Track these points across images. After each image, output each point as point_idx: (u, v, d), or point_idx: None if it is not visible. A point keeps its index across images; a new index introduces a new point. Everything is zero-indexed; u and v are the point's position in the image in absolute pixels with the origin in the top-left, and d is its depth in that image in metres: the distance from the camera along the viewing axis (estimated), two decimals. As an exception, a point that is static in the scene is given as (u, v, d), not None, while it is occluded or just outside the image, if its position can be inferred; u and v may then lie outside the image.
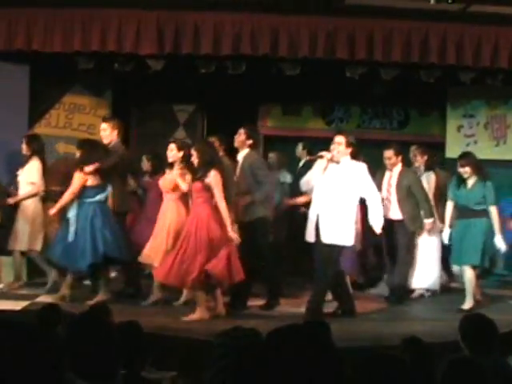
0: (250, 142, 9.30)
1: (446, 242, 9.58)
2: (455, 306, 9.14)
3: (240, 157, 9.29)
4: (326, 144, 10.83)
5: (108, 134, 9.62)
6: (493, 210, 9.22)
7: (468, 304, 9.16)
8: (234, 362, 3.17)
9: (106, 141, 9.58)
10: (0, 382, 1.97)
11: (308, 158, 9.83)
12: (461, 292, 9.59)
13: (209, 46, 9.86)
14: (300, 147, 11.94)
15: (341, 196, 8.40)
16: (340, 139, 8.55)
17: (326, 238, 8.38)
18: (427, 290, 10.13)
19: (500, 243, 9.23)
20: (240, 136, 9.33)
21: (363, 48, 9.90)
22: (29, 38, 9.95)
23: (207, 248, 8.28)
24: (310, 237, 8.57)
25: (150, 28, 9.89)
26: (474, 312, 5.25)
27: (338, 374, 2.08)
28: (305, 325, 4.90)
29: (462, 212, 9.43)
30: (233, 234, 8.37)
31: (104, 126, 9.72)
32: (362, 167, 8.56)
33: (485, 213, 9.23)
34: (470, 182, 9.32)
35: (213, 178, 8.37)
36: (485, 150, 12.17)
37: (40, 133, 11.39)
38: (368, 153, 10.89)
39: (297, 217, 10.48)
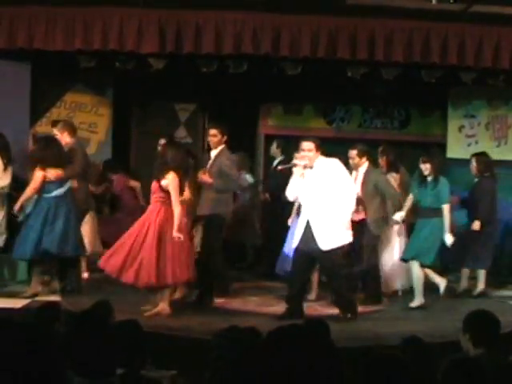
0: (225, 138, 9.47)
1: None
2: (456, 307, 9.16)
3: (214, 154, 9.43)
4: (327, 144, 10.89)
5: (59, 137, 9.75)
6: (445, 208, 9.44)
7: (418, 301, 9.41)
8: (231, 362, 3.18)
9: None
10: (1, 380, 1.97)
11: (281, 167, 9.86)
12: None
13: (210, 45, 9.86)
14: (274, 145, 11.91)
15: (327, 197, 8.44)
16: (309, 145, 8.58)
17: (325, 245, 8.42)
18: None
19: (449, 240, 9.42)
20: (216, 137, 9.41)
21: (364, 48, 9.90)
22: (30, 36, 9.95)
23: (156, 247, 8.42)
24: (295, 242, 8.68)
25: (151, 27, 9.89)
26: (479, 308, 5.26)
27: (338, 374, 2.08)
28: (304, 324, 4.90)
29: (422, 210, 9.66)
30: (176, 233, 8.40)
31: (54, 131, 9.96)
32: (334, 161, 8.66)
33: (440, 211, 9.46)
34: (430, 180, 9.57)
35: (170, 180, 8.48)
36: (486, 151, 12.16)
37: (41, 131, 11.40)
38: (370, 153, 10.91)
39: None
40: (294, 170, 8.72)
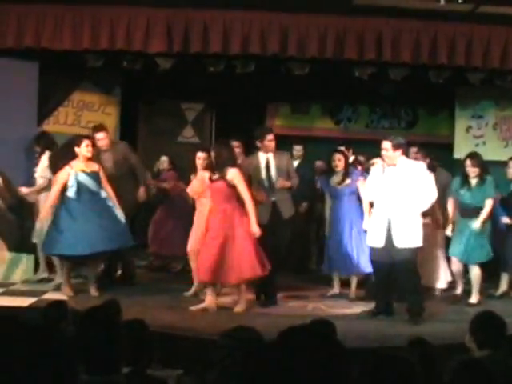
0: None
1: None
2: (462, 307, 9.14)
3: (269, 157, 9.35)
4: (334, 144, 10.89)
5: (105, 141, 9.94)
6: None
7: (475, 298, 9.41)
8: (237, 362, 3.18)
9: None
10: (9, 379, 1.98)
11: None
12: (467, 291, 9.69)
13: (218, 45, 9.87)
14: (300, 147, 11.74)
15: (408, 197, 8.35)
16: (386, 145, 8.45)
17: (402, 243, 8.35)
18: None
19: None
20: (274, 141, 9.42)
21: (372, 48, 9.89)
22: (38, 35, 9.97)
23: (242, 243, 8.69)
24: (377, 242, 8.50)
25: (159, 26, 9.90)
26: (486, 309, 5.27)
27: (346, 375, 2.08)
28: (311, 324, 4.89)
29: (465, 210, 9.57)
30: (255, 228, 8.63)
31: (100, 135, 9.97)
32: (420, 164, 8.65)
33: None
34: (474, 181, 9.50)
35: (235, 175, 8.69)
36: (493, 151, 12.15)
37: (48, 130, 11.41)
38: (376, 153, 10.89)
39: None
40: (372, 168, 8.68)
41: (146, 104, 13.64)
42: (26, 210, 10.44)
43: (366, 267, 9.51)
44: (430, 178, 8.74)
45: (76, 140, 9.43)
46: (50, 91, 11.49)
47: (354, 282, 9.82)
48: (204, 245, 8.77)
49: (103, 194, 9.34)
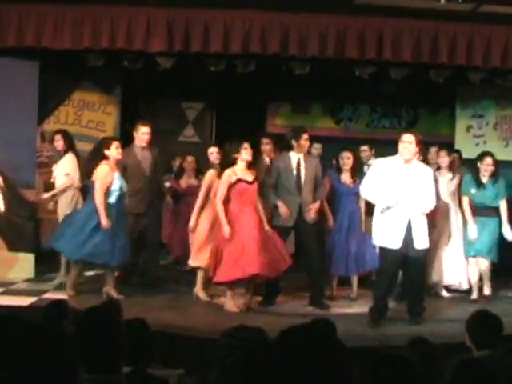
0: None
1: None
2: (463, 306, 9.15)
3: (300, 157, 9.32)
4: (334, 143, 10.89)
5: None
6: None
7: (488, 290, 9.65)
8: (238, 361, 3.18)
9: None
10: (9, 379, 1.98)
11: None
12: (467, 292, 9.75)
13: (218, 45, 9.86)
14: (366, 146, 11.32)
15: (422, 197, 8.26)
16: (409, 138, 8.29)
17: (421, 244, 8.27)
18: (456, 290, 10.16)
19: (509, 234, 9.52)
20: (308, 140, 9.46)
21: (373, 47, 9.88)
22: (39, 34, 9.96)
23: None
24: (395, 244, 8.23)
25: (159, 26, 9.89)
26: (483, 309, 5.27)
27: (347, 374, 2.08)
28: (312, 324, 4.89)
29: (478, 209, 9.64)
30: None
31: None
32: (429, 171, 8.55)
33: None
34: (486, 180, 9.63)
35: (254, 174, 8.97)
36: (494, 151, 12.10)
37: (49, 129, 11.42)
38: (377, 152, 10.91)
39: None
40: (374, 164, 8.67)
41: (147, 103, 13.64)
42: (26, 210, 10.45)
43: (368, 266, 9.56)
44: (434, 186, 8.59)
45: (105, 142, 9.30)
46: (51, 90, 11.48)
47: (355, 281, 9.83)
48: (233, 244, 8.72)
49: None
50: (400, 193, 8.18)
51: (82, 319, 3.54)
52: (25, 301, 8.78)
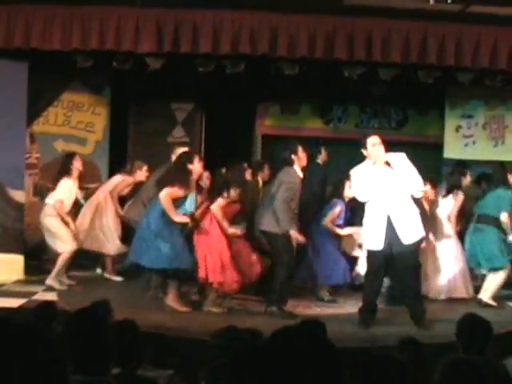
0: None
1: None
2: (452, 306, 9.18)
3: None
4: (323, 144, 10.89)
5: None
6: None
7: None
8: (228, 362, 3.18)
9: None
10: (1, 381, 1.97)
11: None
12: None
13: (208, 45, 9.85)
14: None
15: (401, 191, 8.26)
16: (377, 140, 8.36)
17: (410, 238, 8.23)
18: None
19: None
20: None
21: (362, 48, 9.89)
22: (28, 35, 9.93)
23: None
24: (378, 245, 8.27)
25: (148, 26, 9.87)
26: (472, 312, 5.26)
27: (338, 375, 2.08)
28: (301, 324, 4.89)
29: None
30: None
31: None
32: (401, 156, 8.46)
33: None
34: None
35: None
36: (483, 151, 12.20)
37: (38, 130, 11.39)
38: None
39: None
40: (357, 169, 8.53)
41: (136, 104, 13.61)
42: (16, 212, 10.43)
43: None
44: (411, 165, 8.51)
45: (189, 156, 9.18)
46: (40, 91, 11.45)
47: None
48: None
49: None
50: (377, 194, 8.28)
51: (71, 320, 3.53)
52: (14, 302, 8.76)
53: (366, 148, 8.37)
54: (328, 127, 13.86)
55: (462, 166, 10.65)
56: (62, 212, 10.04)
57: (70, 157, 10.48)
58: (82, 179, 10.53)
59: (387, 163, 8.32)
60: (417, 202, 8.71)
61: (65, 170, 10.22)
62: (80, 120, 12.58)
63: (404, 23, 9.95)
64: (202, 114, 13.75)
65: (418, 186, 8.40)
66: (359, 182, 8.46)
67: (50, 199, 10.11)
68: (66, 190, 10.12)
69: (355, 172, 8.53)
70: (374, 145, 8.33)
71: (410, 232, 8.25)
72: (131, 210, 10.57)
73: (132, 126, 13.62)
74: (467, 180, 10.34)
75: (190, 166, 8.90)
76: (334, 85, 12.12)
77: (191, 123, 13.78)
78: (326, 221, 9.84)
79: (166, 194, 8.63)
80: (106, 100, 12.79)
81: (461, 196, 10.09)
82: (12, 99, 10.44)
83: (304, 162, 9.15)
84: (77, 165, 10.32)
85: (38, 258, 10.91)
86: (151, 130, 13.38)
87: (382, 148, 8.34)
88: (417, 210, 8.43)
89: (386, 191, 8.26)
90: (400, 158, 8.40)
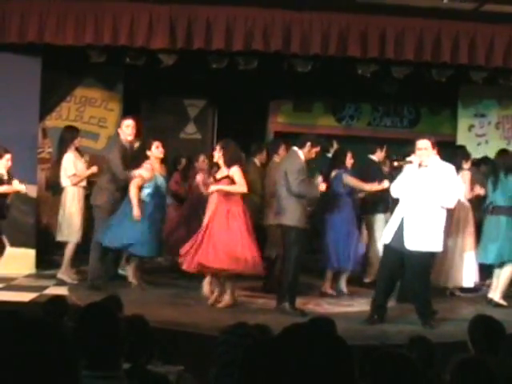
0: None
1: None
2: (463, 305, 9.15)
3: None
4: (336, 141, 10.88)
5: None
6: None
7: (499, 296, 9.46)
8: (237, 358, 3.18)
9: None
10: (9, 375, 1.97)
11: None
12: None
13: (221, 42, 9.85)
14: (384, 147, 11.05)
15: (429, 200, 8.18)
16: (424, 144, 8.28)
17: (413, 245, 8.16)
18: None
19: None
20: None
21: (375, 46, 9.88)
22: (41, 30, 9.95)
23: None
24: (386, 239, 8.41)
25: (162, 22, 9.88)
26: (484, 314, 5.24)
27: (349, 372, 2.07)
28: (311, 322, 4.89)
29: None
30: None
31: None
32: (450, 166, 8.42)
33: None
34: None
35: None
36: (496, 150, 12.14)
37: (51, 125, 11.41)
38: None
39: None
40: (407, 167, 8.45)
41: (148, 100, 13.63)
42: (28, 206, 10.45)
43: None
44: (458, 181, 8.60)
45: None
46: (53, 87, 11.48)
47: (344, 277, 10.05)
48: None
49: None
50: (408, 194, 8.27)
51: (82, 315, 3.54)
52: (25, 296, 8.78)
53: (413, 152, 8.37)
54: (340, 125, 13.85)
55: (463, 149, 10.58)
56: (81, 183, 10.14)
57: (66, 131, 10.45)
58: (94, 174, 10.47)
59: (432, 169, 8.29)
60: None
61: (63, 145, 10.26)
62: (92, 115, 12.61)
63: (417, 21, 9.93)
64: (215, 111, 13.76)
65: (446, 202, 8.31)
66: (399, 178, 8.52)
67: (65, 180, 10.12)
68: (71, 163, 10.11)
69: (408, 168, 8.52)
70: (419, 149, 8.29)
71: (417, 240, 8.16)
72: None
73: (144, 121, 13.63)
74: (468, 164, 10.28)
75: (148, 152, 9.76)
76: (347, 83, 12.11)
77: (203, 120, 13.79)
78: (349, 178, 9.88)
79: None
80: (118, 96, 12.82)
81: (467, 175, 10.05)
82: (25, 94, 10.47)
83: (312, 155, 9.14)
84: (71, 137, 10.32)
85: (50, 252, 10.94)
86: (163, 127, 13.39)
87: (428, 153, 8.27)
88: (438, 224, 8.28)
89: (413, 194, 8.23)
90: (448, 170, 8.38)
